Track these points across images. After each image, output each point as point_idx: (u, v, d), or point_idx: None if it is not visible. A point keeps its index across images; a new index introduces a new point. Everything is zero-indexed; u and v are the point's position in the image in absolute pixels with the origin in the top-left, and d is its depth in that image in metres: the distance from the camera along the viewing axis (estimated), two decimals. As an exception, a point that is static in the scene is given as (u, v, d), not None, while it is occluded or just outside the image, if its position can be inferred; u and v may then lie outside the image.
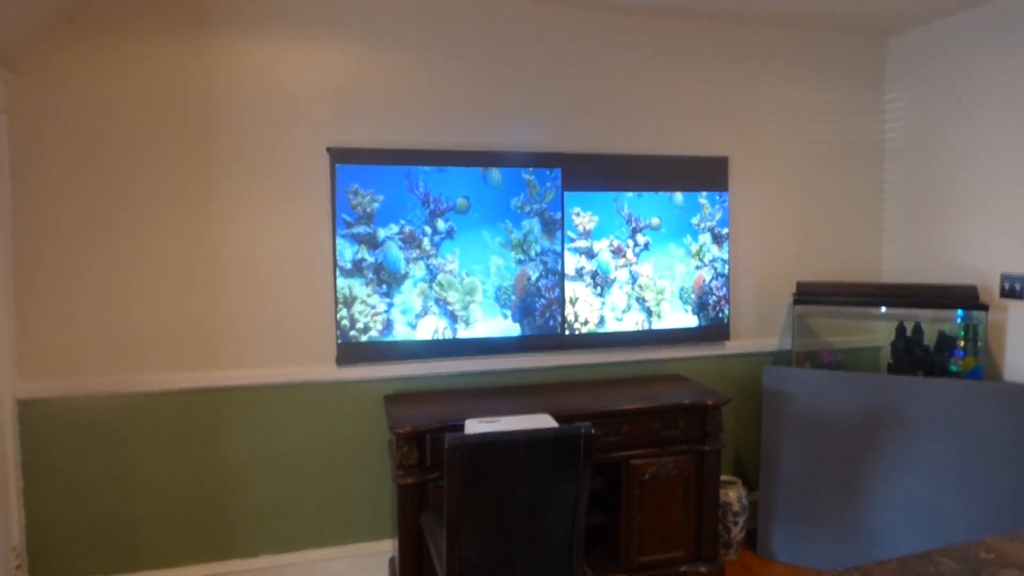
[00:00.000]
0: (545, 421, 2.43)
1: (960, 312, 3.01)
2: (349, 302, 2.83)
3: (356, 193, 2.80)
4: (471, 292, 2.95)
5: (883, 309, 3.24)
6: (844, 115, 3.50)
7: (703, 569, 2.81)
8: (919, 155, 3.39)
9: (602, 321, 3.15)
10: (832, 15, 3.23)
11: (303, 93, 2.77)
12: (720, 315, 3.32)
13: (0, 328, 2.45)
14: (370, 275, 2.83)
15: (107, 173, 2.60)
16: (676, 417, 2.79)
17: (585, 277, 3.11)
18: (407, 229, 2.88)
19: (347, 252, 2.81)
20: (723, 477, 3.22)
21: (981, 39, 3.05)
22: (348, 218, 2.81)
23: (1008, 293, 2.93)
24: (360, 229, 2.82)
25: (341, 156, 2.79)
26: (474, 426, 2.39)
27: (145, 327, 2.66)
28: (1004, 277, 2.95)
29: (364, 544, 2.94)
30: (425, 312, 2.91)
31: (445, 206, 2.91)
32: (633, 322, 3.19)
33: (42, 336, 2.56)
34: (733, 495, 3.10)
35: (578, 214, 3.07)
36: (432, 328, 2.92)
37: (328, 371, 2.84)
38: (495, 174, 2.97)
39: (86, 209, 2.58)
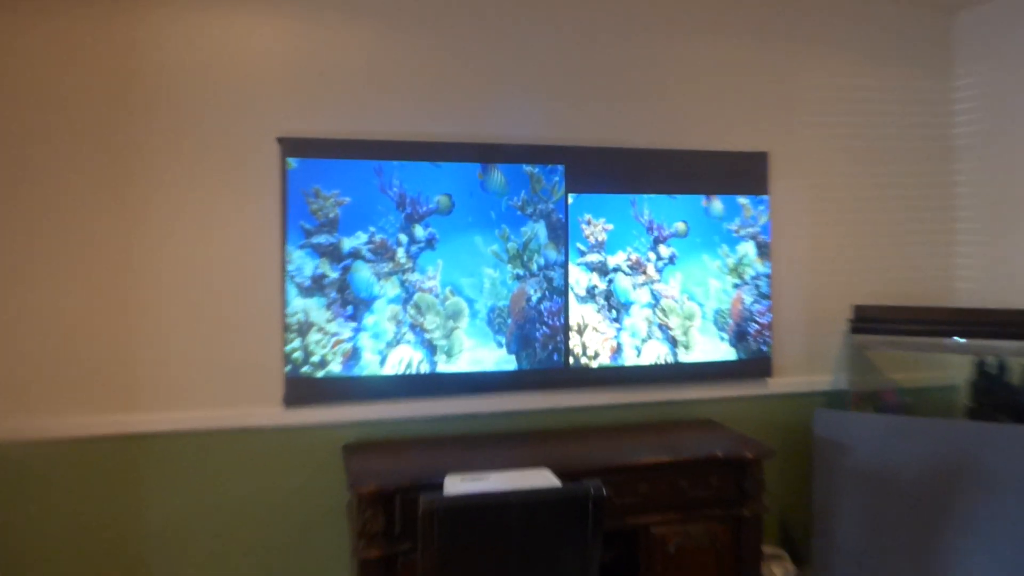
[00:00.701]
0: (545, 478, 2.35)
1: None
2: (304, 329, 2.75)
3: (317, 195, 2.75)
4: (455, 316, 2.89)
5: (958, 340, 3.19)
6: (906, 104, 3.51)
7: (743, 667, 2.72)
8: (996, 151, 3.37)
9: (617, 353, 3.08)
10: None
11: (250, 72, 2.74)
12: (761, 345, 3.26)
13: None
14: (332, 295, 2.77)
15: (18, 172, 2.56)
16: (707, 473, 2.72)
17: (597, 299, 3.05)
18: (378, 238, 2.82)
19: (306, 267, 2.75)
20: (765, 549, 3.12)
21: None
22: (307, 225, 2.75)
23: (1114, 320, 2.91)
24: (322, 239, 2.76)
25: (295, 148, 2.73)
26: (456, 484, 2.31)
27: (46, 357, 2.59)
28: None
29: (315, 633, 2.85)
30: (397, 341, 2.84)
31: (424, 209, 2.86)
32: (654, 354, 3.12)
33: None
34: (779, 572, 3.07)
35: (589, 222, 3.03)
36: (405, 360, 2.85)
37: (273, 414, 2.78)
38: (487, 171, 2.95)
39: None
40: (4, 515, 2.56)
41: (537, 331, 2.98)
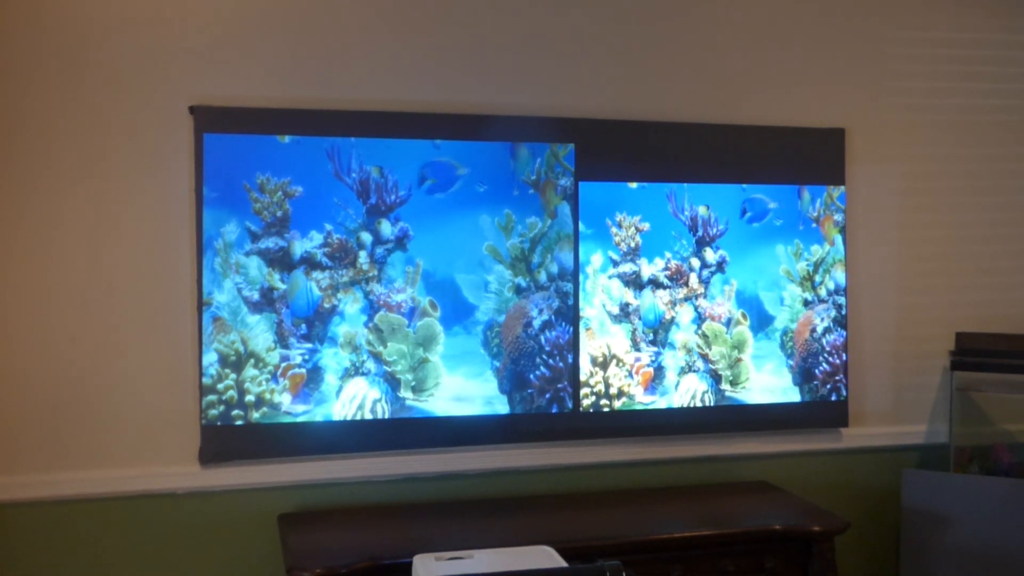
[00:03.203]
0: (546, 558, 2.38)
1: None
2: (241, 362, 2.84)
3: (263, 188, 2.84)
4: (427, 342, 2.98)
5: None
6: None
7: None
8: None
9: (651, 389, 3.19)
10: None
11: (150, 17, 2.79)
12: (837, 385, 3.34)
13: None
14: (276, 317, 2.86)
15: None
16: (761, 552, 2.79)
17: (631, 319, 3.15)
18: (336, 238, 2.89)
19: (253, 282, 2.84)
20: (838, 652, 3.23)
21: None
22: (253, 227, 2.85)
23: None
24: (270, 242, 2.86)
25: (214, 120, 2.82)
26: (429, 566, 2.33)
27: None
28: None
29: None
30: (352, 373, 2.93)
31: (394, 198, 2.94)
32: (693, 393, 3.21)
33: None
34: None
35: (621, 223, 3.13)
36: (361, 400, 2.94)
37: (187, 474, 2.84)
38: (472, 151, 3.04)
39: None
40: None
41: (532, 373, 3.07)
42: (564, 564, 2.30)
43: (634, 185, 3.17)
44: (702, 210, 3.22)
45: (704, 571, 2.74)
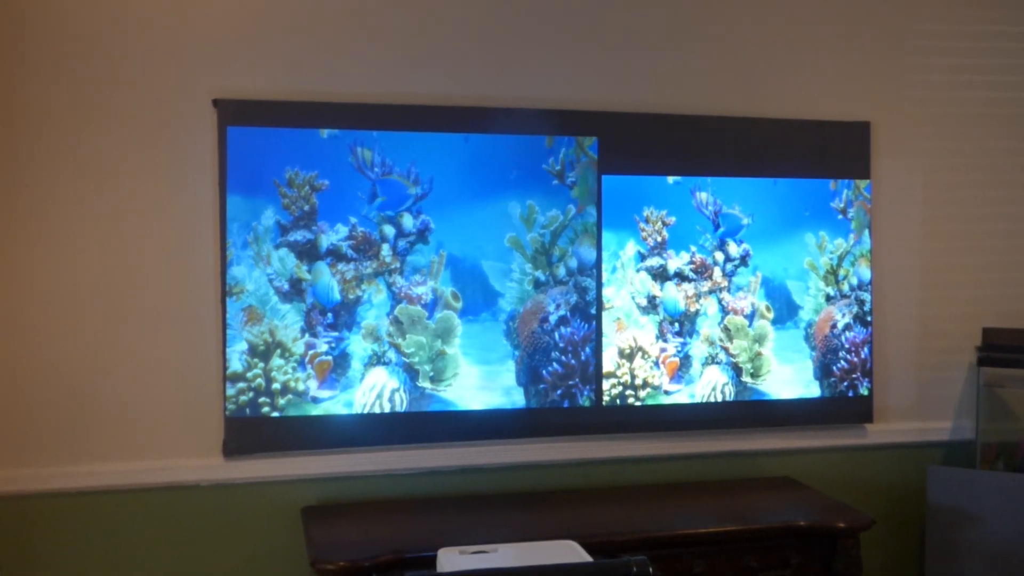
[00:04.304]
0: (570, 553, 2.41)
1: None
2: (269, 351, 2.87)
3: (292, 183, 2.87)
4: (445, 334, 3.01)
5: None
6: None
7: None
8: None
9: (661, 388, 3.23)
10: None
11: (173, 10, 2.81)
12: (861, 380, 3.38)
13: None
14: (307, 304, 2.90)
15: None
16: (784, 548, 2.81)
17: (658, 312, 3.20)
18: (360, 231, 2.93)
19: (282, 273, 2.88)
20: (861, 649, 3.26)
21: None
22: (283, 221, 2.88)
23: None
24: (298, 235, 2.89)
25: (237, 113, 2.84)
26: (453, 560, 2.36)
27: None
28: None
29: None
30: (373, 368, 2.96)
31: (416, 192, 2.99)
32: (711, 388, 3.26)
33: None
34: None
35: (648, 219, 3.17)
36: (382, 396, 2.98)
37: (210, 467, 2.88)
38: (494, 144, 3.08)
39: None
40: None
41: (546, 369, 3.10)
42: (588, 558, 2.32)
43: (671, 180, 3.19)
44: (726, 205, 3.24)
45: (727, 567, 2.76)
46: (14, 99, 2.71)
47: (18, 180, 2.72)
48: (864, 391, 3.37)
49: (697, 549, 2.72)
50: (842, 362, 3.35)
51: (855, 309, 3.36)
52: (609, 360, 3.15)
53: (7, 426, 2.74)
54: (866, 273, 3.37)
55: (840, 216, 3.34)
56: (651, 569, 2.05)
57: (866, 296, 3.37)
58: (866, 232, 3.37)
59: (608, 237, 3.14)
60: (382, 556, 2.48)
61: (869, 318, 3.38)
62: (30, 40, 2.71)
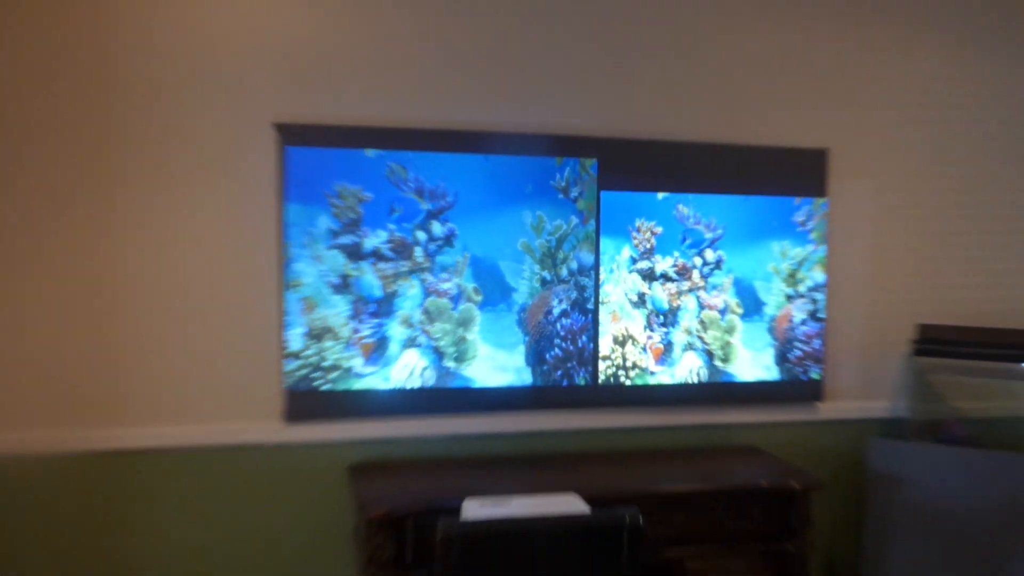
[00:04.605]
0: (573, 504, 2.48)
1: None
2: (322, 334, 2.93)
3: (341, 195, 2.92)
4: (466, 324, 3.06)
5: None
6: (992, 96, 3.57)
7: None
8: None
9: (661, 361, 3.28)
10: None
11: (240, 51, 2.85)
12: (813, 365, 3.43)
13: None
14: (354, 296, 2.96)
15: None
16: (749, 504, 2.86)
17: (646, 307, 3.25)
18: (397, 236, 2.99)
19: (333, 270, 2.94)
20: (811, 589, 3.26)
21: None
22: (334, 227, 2.93)
23: None
24: (347, 239, 2.94)
25: (294, 135, 2.88)
26: (476, 509, 2.44)
27: (22, 369, 2.71)
28: None
29: (321, 668, 3.01)
30: (408, 349, 3.02)
31: (443, 203, 3.03)
32: (689, 371, 3.31)
33: None
34: None
35: (639, 228, 3.22)
36: (412, 374, 3.03)
37: (272, 430, 2.92)
38: (510, 164, 3.10)
39: None
40: None
41: (549, 353, 3.16)
42: (587, 508, 2.36)
43: (660, 195, 3.23)
44: (703, 217, 3.27)
45: (701, 519, 2.81)
46: (113, 124, 2.75)
47: (115, 189, 2.76)
48: (815, 375, 3.41)
49: (676, 504, 2.76)
50: (797, 351, 3.39)
51: (810, 307, 3.39)
52: (605, 346, 3.19)
53: (110, 394, 2.78)
54: (821, 277, 3.39)
55: (800, 228, 3.36)
56: (641, 519, 2.12)
57: (820, 296, 3.40)
58: (822, 242, 3.40)
59: (606, 243, 3.17)
60: (416, 506, 2.54)
61: (822, 314, 3.40)
62: (126, 76, 2.75)
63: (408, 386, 3.03)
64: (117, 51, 2.75)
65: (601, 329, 3.21)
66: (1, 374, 2.71)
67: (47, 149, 2.71)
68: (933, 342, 3.37)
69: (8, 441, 2.71)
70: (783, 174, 3.36)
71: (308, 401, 2.94)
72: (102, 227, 2.78)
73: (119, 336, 2.81)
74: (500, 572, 2.11)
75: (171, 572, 2.88)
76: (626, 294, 3.23)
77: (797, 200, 3.38)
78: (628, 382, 3.25)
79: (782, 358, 3.40)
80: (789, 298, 3.39)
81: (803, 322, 3.41)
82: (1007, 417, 3.64)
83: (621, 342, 3.23)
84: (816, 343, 3.43)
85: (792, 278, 3.39)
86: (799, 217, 3.39)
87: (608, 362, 3.22)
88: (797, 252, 3.39)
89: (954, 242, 3.61)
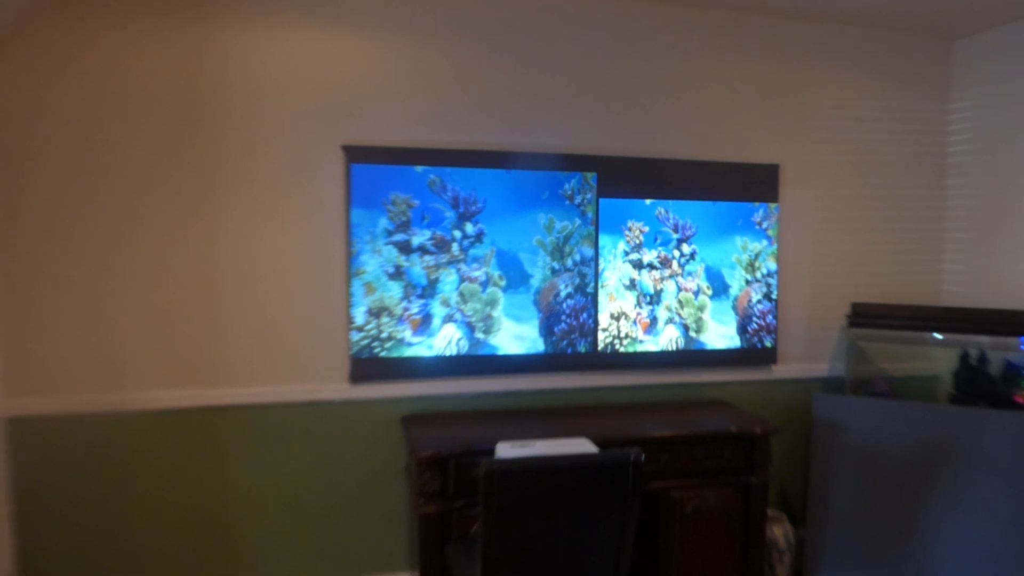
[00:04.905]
0: (584, 446, 2.46)
1: (1030, 340, 3.09)
2: (380, 312, 2.91)
3: (395, 202, 2.90)
4: (492, 304, 3.03)
5: (937, 336, 3.30)
6: (906, 124, 3.58)
7: (748, 613, 2.86)
8: (985, 169, 3.46)
9: (648, 332, 3.24)
10: (894, 15, 3.30)
11: (315, 87, 2.83)
12: (767, 336, 3.40)
13: (-15, 338, 2.45)
14: (405, 282, 2.94)
15: (100, 173, 2.62)
16: (721, 446, 2.84)
17: (636, 290, 3.21)
18: (438, 234, 2.96)
19: (389, 261, 2.92)
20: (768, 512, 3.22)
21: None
22: (389, 227, 2.91)
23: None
24: (399, 237, 2.92)
25: (357, 155, 2.87)
26: (507, 450, 2.42)
27: (142, 340, 2.70)
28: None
29: (378, 577, 2.99)
30: (447, 324, 2.99)
31: (474, 208, 2.99)
32: (669, 340, 3.27)
33: (32, 349, 2.58)
34: (779, 532, 3.15)
35: (631, 228, 3.18)
36: (450, 344, 3.00)
37: (341, 389, 2.91)
38: (527, 176, 3.06)
39: (77, 211, 2.60)
40: (106, 478, 2.68)
41: (557, 327, 3.12)
42: (596, 450, 2.32)
43: (648, 201, 3.19)
44: (681, 218, 3.24)
45: (683, 456, 2.79)
46: (219, 146, 2.74)
47: (220, 198, 2.75)
48: (769, 343, 3.38)
49: (662, 446, 2.76)
50: (755, 324, 3.36)
51: (765, 289, 3.36)
52: (604, 320, 3.16)
53: (217, 361, 2.77)
54: (773, 265, 3.36)
55: (758, 227, 3.34)
56: (643, 457, 2.05)
57: (773, 281, 3.37)
58: (775, 238, 3.36)
59: (604, 239, 3.13)
60: (458, 448, 2.53)
61: (774, 295, 3.37)
62: (228, 109, 2.74)
63: (447, 353, 2.99)
64: (219, 88, 2.74)
65: (600, 307, 3.17)
66: (131, 346, 2.70)
67: (168, 168, 2.71)
68: (863, 316, 3.36)
69: (137, 400, 2.71)
70: (744, 184, 3.34)
71: (368, 366, 2.92)
72: (211, 230, 2.77)
73: (222, 315, 2.79)
74: (532, 500, 2.04)
75: (265, 498, 2.88)
76: (620, 280, 3.19)
77: (756, 204, 3.35)
78: (622, 349, 3.21)
79: (743, 330, 3.36)
80: (748, 282, 3.36)
81: (759, 301, 3.38)
82: (920, 376, 3.65)
83: (616, 317, 3.19)
84: (770, 318, 3.39)
85: (751, 266, 3.36)
86: (757, 218, 3.36)
87: (606, 333, 3.19)
88: (755, 246, 3.36)
89: (877, 238, 3.59)
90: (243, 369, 2.80)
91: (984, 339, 3.20)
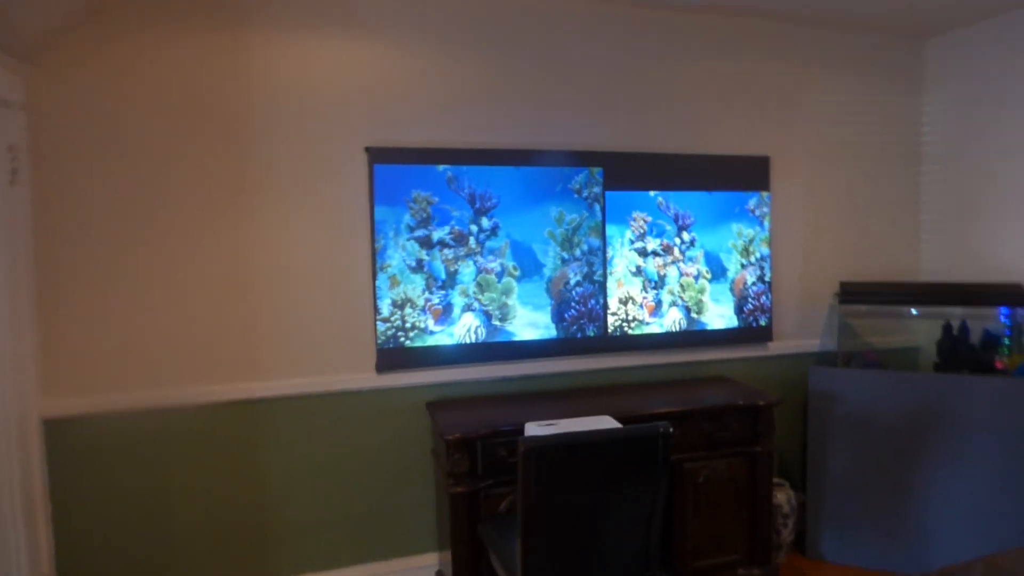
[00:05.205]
0: (608, 422, 2.51)
1: (1004, 310, 3.24)
2: (404, 303, 2.95)
3: (416, 199, 2.94)
4: (507, 293, 3.08)
5: (917, 310, 3.46)
6: (884, 117, 3.70)
7: (757, 572, 2.98)
8: (956, 157, 3.61)
9: (654, 315, 3.32)
10: (872, 17, 3.44)
11: (339, 91, 2.85)
12: (762, 315, 3.49)
13: (22, 342, 2.41)
14: (425, 275, 2.97)
15: (134, 175, 2.63)
16: (727, 419, 2.93)
17: (642, 276, 3.28)
18: (456, 229, 3.02)
19: (411, 255, 2.96)
20: (770, 480, 3.37)
21: (1022, 42, 3.28)
22: (411, 223, 2.95)
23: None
24: (420, 232, 2.96)
25: (380, 156, 2.90)
26: (536, 429, 2.46)
27: (175, 337, 2.71)
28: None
29: (408, 558, 3.05)
30: (465, 313, 3.04)
31: (490, 204, 3.06)
32: (673, 322, 3.35)
33: (67, 350, 2.58)
34: (782, 497, 3.26)
35: (635, 218, 3.25)
36: (470, 332, 3.05)
37: (368, 378, 2.94)
38: (538, 173, 3.11)
39: (112, 213, 2.61)
40: (140, 475, 2.69)
41: (567, 313, 3.17)
42: (619, 426, 2.35)
43: (652, 193, 3.27)
44: (680, 208, 3.32)
45: (691, 429, 2.88)
46: (251, 149, 2.76)
47: (252, 197, 2.78)
48: (764, 322, 3.48)
49: (673, 420, 2.80)
50: (751, 304, 3.45)
51: (759, 272, 3.45)
52: (613, 305, 3.24)
53: (248, 355, 2.80)
54: (766, 250, 3.46)
55: (752, 215, 3.43)
56: (671, 430, 2.10)
57: (766, 264, 3.46)
58: (767, 224, 3.46)
59: (611, 229, 3.20)
60: (482, 431, 2.58)
61: (767, 277, 3.46)
62: (260, 114, 2.77)
63: (466, 341, 3.04)
64: (251, 94, 2.76)
65: (609, 293, 3.25)
66: (164, 344, 2.71)
67: (200, 171, 2.72)
68: (851, 294, 3.46)
69: (171, 396, 2.71)
70: (738, 175, 3.42)
71: (394, 355, 2.96)
72: (243, 229, 2.79)
73: (254, 311, 2.81)
74: (568, 475, 2.09)
75: (297, 486, 2.90)
76: (627, 267, 3.27)
77: (749, 193, 3.44)
78: (630, 331, 3.29)
79: (740, 310, 3.46)
80: (744, 266, 3.45)
81: (754, 283, 3.47)
82: (905, 347, 3.77)
83: (624, 302, 3.28)
84: (764, 299, 3.49)
85: (746, 251, 3.45)
86: (750, 206, 3.45)
87: (615, 316, 3.27)
88: (749, 232, 3.45)
89: (860, 221, 3.70)
90: (274, 362, 2.82)
91: (961, 310, 3.34)
